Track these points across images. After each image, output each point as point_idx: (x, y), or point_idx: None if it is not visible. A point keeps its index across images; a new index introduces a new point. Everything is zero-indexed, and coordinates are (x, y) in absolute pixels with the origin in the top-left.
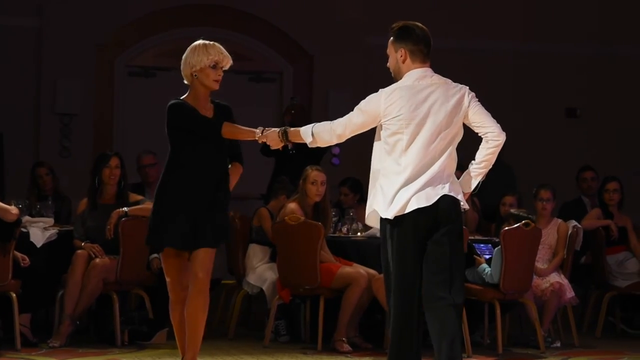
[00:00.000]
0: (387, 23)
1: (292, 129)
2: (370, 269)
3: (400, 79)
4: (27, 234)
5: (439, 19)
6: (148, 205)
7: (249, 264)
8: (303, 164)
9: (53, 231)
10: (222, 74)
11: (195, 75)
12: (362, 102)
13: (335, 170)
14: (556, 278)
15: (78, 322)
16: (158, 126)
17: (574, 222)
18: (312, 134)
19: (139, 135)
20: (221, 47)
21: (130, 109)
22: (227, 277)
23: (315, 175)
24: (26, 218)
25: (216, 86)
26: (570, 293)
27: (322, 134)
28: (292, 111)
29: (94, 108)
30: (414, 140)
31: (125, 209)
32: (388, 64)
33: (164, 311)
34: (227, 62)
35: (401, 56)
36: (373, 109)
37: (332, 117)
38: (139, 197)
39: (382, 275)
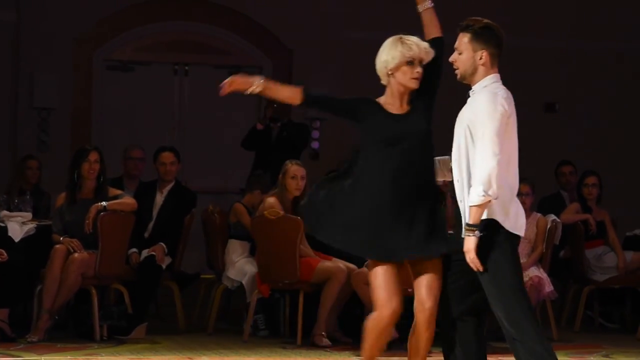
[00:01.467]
0: (366, 17)
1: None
2: (349, 264)
3: (472, 80)
4: (5, 229)
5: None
6: (127, 199)
7: (228, 259)
8: (283, 157)
9: (31, 226)
10: (421, 70)
11: (391, 74)
12: (490, 119)
13: (315, 165)
14: (535, 272)
15: (57, 317)
16: (137, 120)
17: (552, 216)
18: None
19: (118, 129)
20: (418, 40)
21: (109, 103)
22: (206, 272)
23: (295, 169)
24: (4, 213)
25: (415, 85)
26: (549, 287)
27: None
28: (275, 105)
29: (72, 102)
30: (508, 148)
31: (104, 203)
32: (452, 59)
33: (143, 306)
34: (426, 57)
35: (481, 58)
36: (504, 114)
37: (312, 111)
38: (118, 192)
39: (361, 269)
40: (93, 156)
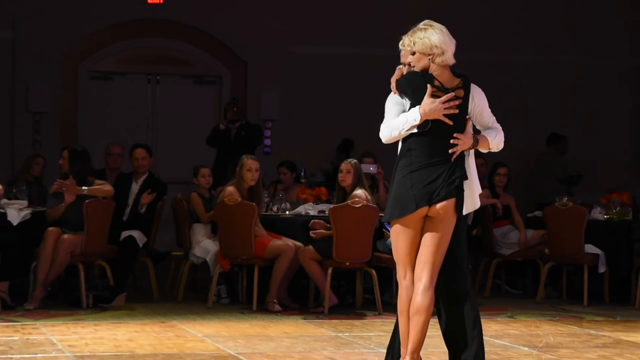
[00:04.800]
0: (308, 34)
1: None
2: (297, 242)
3: None
4: (5, 214)
5: (353, 29)
6: (104, 187)
7: (194, 239)
8: (240, 153)
9: (27, 211)
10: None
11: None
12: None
13: (267, 159)
14: None
15: (49, 289)
16: (116, 122)
17: None
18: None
19: (100, 130)
20: (416, 31)
21: (92, 107)
22: (176, 250)
23: (250, 163)
24: (4, 200)
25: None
26: None
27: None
28: (235, 108)
29: (61, 107)
30: None
31: (84, 188)
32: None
33: (122, 279)
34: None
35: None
36: None
37: (264, 113)
38: (100, 182)
39: (307, 247)
40: (65, 154)
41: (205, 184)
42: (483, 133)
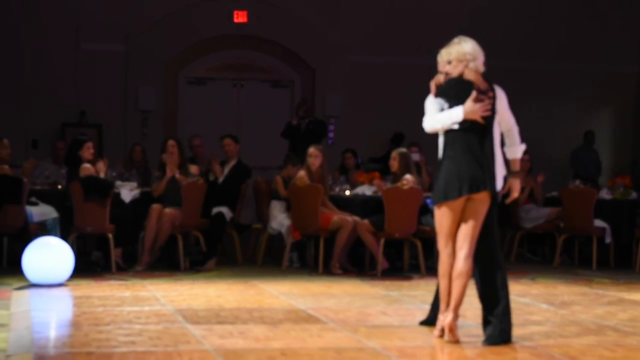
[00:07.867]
0: (365, 47)
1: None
2: (356, 217)
3: None
4: (119, 193)
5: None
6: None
7: (271, 214)
8: (308, 144)
9: (137, 191)
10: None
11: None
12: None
13: (330, 149)
14: None
15: (154, 254)
16: (208, 119)
17: None
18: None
19: (195, 125)
20: (452, 44)
21: (189, 106)
22: (256, 223)
23: (311, 150)
24: (118, 182)
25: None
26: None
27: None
28: (304, 107)
29: (164, 106)
30: None
31: (178, 175)
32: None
33: (213, 246)
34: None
35: None
36: None
37: (329, 110)
38: (194, 167)
39: (364, 221)
40: (170, 143)
41: (293, 174)
42: (510, 155)
